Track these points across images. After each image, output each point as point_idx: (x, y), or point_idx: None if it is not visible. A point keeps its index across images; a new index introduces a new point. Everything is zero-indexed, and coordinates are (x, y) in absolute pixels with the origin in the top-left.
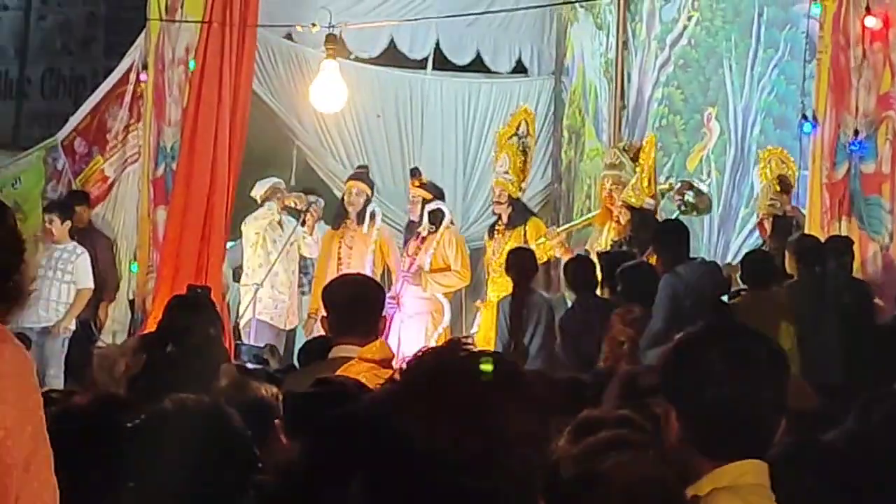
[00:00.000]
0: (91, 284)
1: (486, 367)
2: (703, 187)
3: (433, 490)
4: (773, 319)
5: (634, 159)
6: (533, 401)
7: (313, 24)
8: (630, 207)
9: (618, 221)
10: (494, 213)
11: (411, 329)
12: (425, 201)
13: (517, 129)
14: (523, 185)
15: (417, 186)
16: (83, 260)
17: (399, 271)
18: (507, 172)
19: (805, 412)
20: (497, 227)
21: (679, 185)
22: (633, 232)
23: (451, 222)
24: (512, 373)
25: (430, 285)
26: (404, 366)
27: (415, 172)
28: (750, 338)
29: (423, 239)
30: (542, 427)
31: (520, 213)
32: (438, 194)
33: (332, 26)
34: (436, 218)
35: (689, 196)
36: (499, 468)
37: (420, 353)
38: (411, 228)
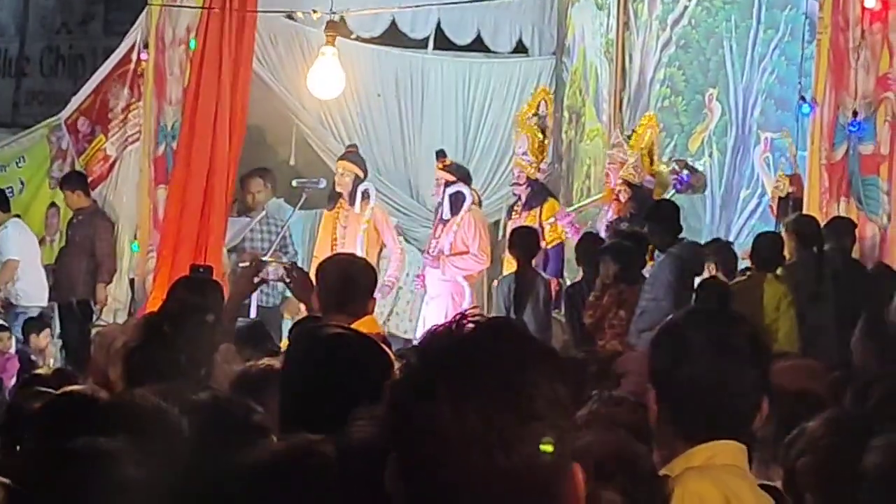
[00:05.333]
0: (14, 255)
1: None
2: (699, 166)
3: (468, 471)
4: (772, 300)
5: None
6: (555, 367)
7: (314, 11)
8: (630, 185)
9: (618, 199)
10: (514, 195)
11: (433, 311)
12: (447, 183)
13: (537, 108)
14: (542, 165)
15: (441, 168)
16: (4, 233)
17: (396, 251)
18: (525, 153)
19: (811, 393)
20: (515, 208)
21: (674, 164)
22: (635, 210)
23: (476, 203)
24: (531, 341)
25: (449, 269)
26: (418, 347)
27: (440, 154)
28: (729, 322)
29: (446, 222)
30: (567, 392)
31: (537, 194)
32: (462, 176)
33: (333, 13)
34: (457, 201)
35: (685, 174)
36: (529, 439)
37: (430, 333)
38: (437, 210)
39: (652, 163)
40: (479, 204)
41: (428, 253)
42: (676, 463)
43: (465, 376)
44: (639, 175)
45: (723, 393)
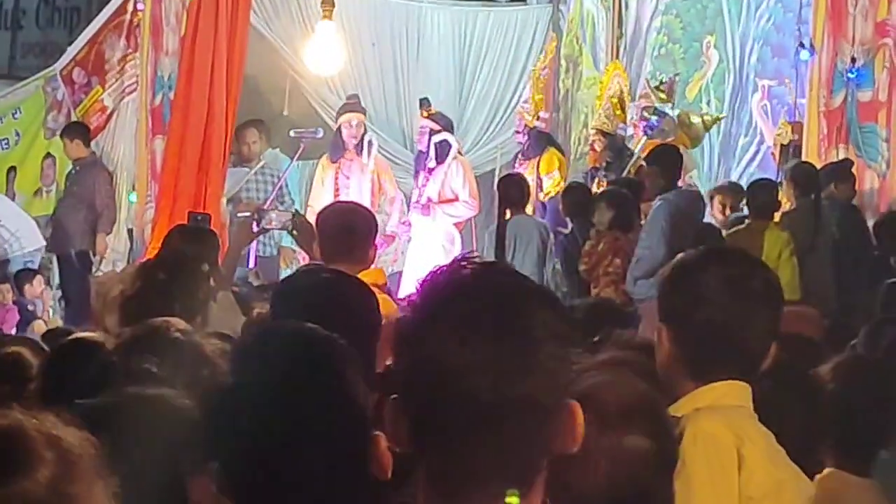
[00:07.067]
0: None
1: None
2: (667, 109)
3: (475, 401)
4: (774, 248)
5: (667, 94)
6: (552, 302)
7: None
8: (605, 134)
9: (593, 148)
10: (518, 143)
11: (422, 259)
12: (432, 132)
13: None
14: (541, 113)
15: (426, 117)
16: None
17: (398, 199)
18: (525, 102)
19: (810, 338)
20: (518, 158)
21: (643, 111)
22: (611, 158)
23: (460, 152)
24: (528, 278)
25: (439, 216)
26: (420, 287)
27: (423, 103)
28: (746, 264)
29: (431, 170)
30: (566, 325)
31: (536, 143)
32: (446, 125)
33: None
34: (442, 149)
35: (654, 120)
36: (533, 368)
37: (432, 273)
38: (420, 159)
39: (623, 111)
40: (461, 153)
41: (417, 201)
42: (683, 402)
43: (469, 308)
44: (612, 124)
45: (738, 335)
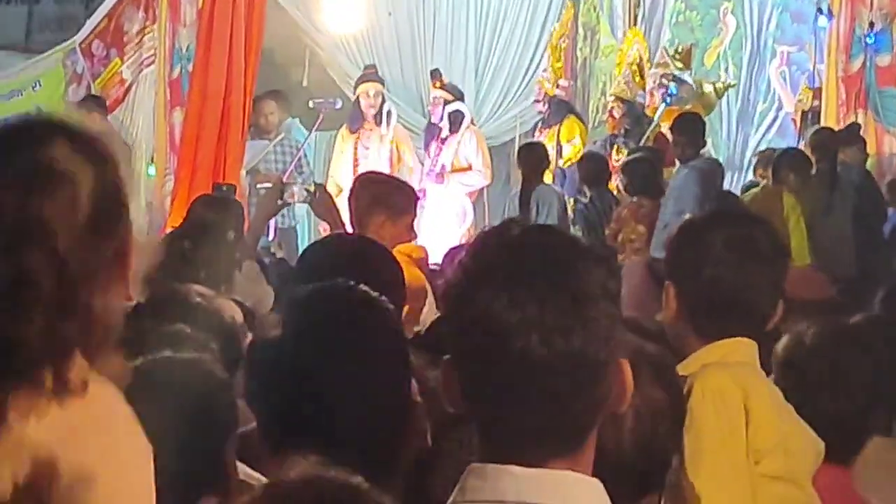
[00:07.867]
0: None
1: None
2: (686, 77)
3: (528, 358)
4: (786, 213)
5: (684, 62)
6: (601, 260)
7: None
8: (623, 101)
9: (612, 115)
10: (538, 112)
11: (435, 227)
12: (446, 102)
13: (568, 26)
14: (560, 81)
15: (438, 87)
16: None
17: (417, 169)
18: (545, 70)
19: (820, 302)
20: (539, 126)
21: (662, 79)
22: (630, 125)
23: (472, 122)
24: (576, 237)
25: (452, 184)
26: (469, 248)
27: (435, 74)
28: (752, 224)
29: (444, 140)
30: (616, 284)
31: (556, 111)
32: (459, 95)
33: None
34: (456, 119)
35: (672, 87)
36: (585, 324)
37: (481, 234)
38: (432, 130)
39: (642, 78)
40: (473, 123)
41: (431, 170)
42: (692, 360)
43: (519, 266)
44: (631, 91)
45: (744, 293)
